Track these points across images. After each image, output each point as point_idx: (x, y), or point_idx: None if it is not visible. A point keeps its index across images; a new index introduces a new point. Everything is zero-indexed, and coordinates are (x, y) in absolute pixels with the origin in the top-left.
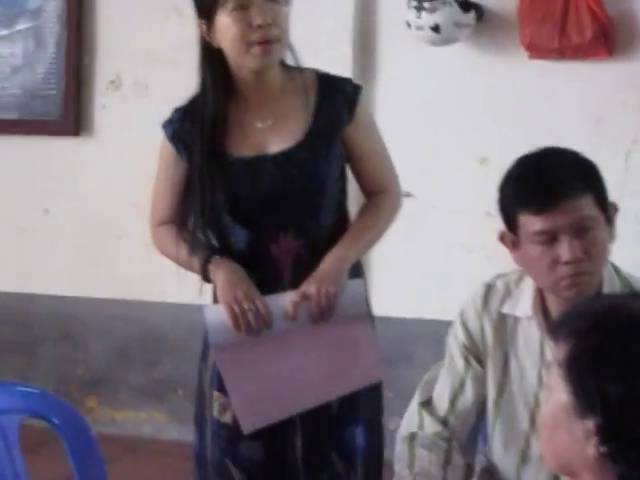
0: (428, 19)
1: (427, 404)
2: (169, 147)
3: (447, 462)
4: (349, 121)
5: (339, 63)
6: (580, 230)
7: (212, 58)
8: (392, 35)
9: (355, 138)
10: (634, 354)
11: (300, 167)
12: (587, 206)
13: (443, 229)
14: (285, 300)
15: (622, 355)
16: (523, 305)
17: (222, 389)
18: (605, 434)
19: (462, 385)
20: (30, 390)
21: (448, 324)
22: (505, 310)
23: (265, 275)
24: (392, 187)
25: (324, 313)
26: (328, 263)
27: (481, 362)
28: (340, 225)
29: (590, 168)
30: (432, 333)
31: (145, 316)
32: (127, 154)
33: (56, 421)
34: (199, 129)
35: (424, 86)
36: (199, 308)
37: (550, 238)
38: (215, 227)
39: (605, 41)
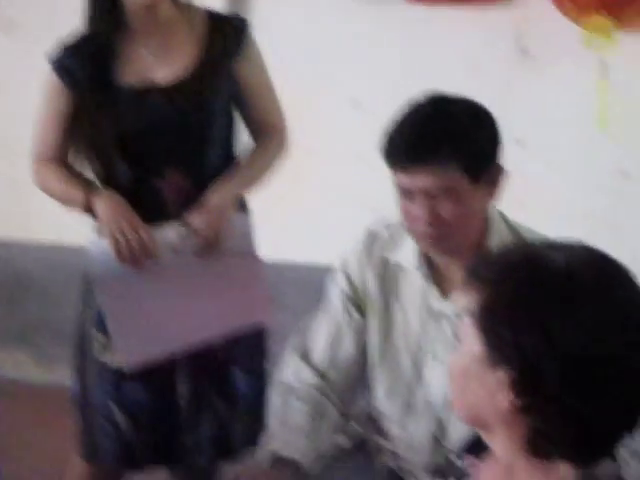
0: None
1: (304, 353)
2: (55, 80)
3: (321, 415)
4: (238, 55)
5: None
6: (438, 194)
7: None
8: None
9: (244, 73)
10: (552, 305)
11: (188, 98)
12: (448, 172)
13: (317, 174)
14: (170, 232)
15: (540, 305)
16: (407, 254)
17: (104, 329)
18: (519, 386)
19: (341, 335)
20: None
21: (321, 270)
22: (388, 257)
23: (150, 211)
24: (280, 125)
25: (210, 245)
26: (215, 195)
27: (362, 311)
28: (228, 162)
29: (467, 129)
30: (304, 278)
31: (10, 256)
32: None
33: None
34: (87, 59)
35: (300, 30)
36: (68, 249)
37: (409, 194)
38: (99, 161)
39: None
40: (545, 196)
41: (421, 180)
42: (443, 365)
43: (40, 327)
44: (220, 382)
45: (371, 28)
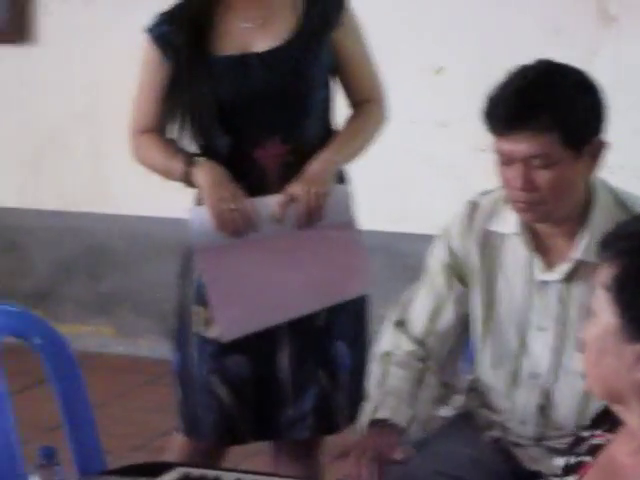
0: None
1: (402, 324)
2: (153, 50)
3: (420, 381)
4: (338, 24)
5: None
6: (536, 163)
7: None
8: None
9: (344, 43)
10: None
11: (288, 66)
12: (546, 140)
13: (397, 139)
14: (272, 202)
15: None
16: (509, 222)
17: (205, 303)
18: None
19: (443, 306)
20: (10, 309)
21: (402, 236)
22: (491, 227)
23: (251, 182)
24: (379, 95)
25: (312, 215)
26: (315, 165)
27: (464, 282)
28: (326, 135)
29: (571, 98)
30: (385, 245)
31: (91, 228)
32: (73, 63)
33: (38, 341)
34: (185, 31)
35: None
36: (149, 220)
37: (508, 160)
38: (199, 131)
39: None
40: (633, 162)
41: (519, 146)
42: (548, 335)
43: (121, 299)
44: (322, 354)
45: None
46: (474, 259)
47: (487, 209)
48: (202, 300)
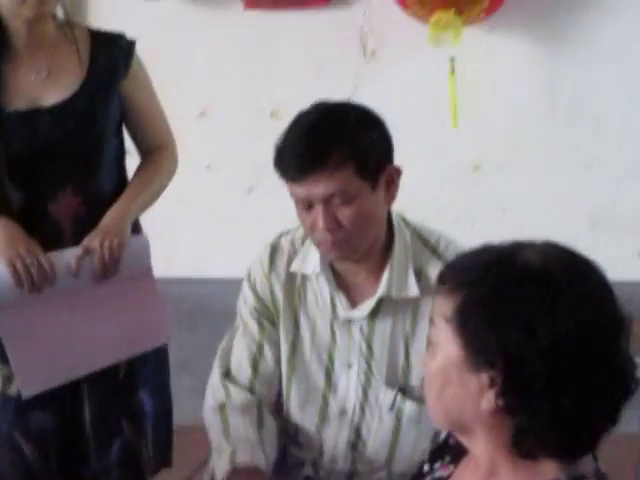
0: None
1: (228, 374)
2: None
3: (261, 425)
4: (125, 75)
5: None
6: (336, 201)
7: None
8: None
9: (132, 93)
10: (531, 301)
11: (77, 119)
12: (344, 178)
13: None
14: (68, 255)
15: (519, 303)
16: (310, 262)
17: (5, 360)
18: (504, 386)
19: (260, 349)
20: None
21: (174, 281)
22: (293, 269)
23: (46, 236)
24: (168, 143)
25: (108, 267)
26: (110, 217)
27: (274, 323)
28: (120, 185)
29: (356, 132)
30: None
31: None
32: None
33: None
34: None
35: (140, 41)
36: None
37: (307, 204)
38: None
39: None
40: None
41: (317, 188)
42: (353, 372)
43: None
44: (125, 405)
45: (210, 34)
46: (279, 300)
47: (288, 250)
48: (3, 357)
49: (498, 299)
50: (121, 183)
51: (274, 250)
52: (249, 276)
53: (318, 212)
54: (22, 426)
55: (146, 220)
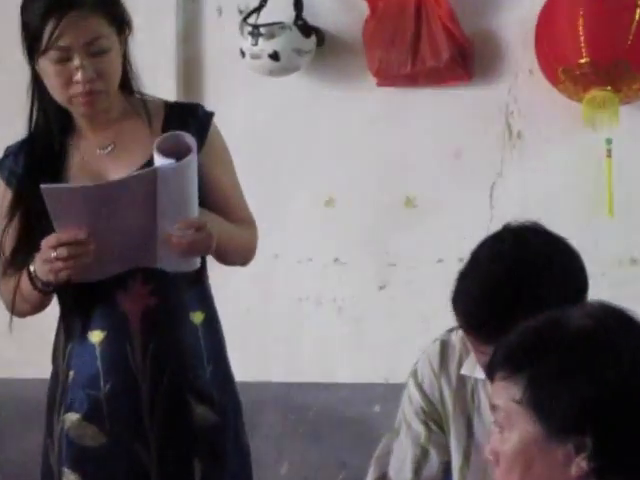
0: (266, 46)
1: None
2: (4, 190)
3: None
4: (200, 147)
5: None
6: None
7: (42, 89)
8: (223, 66)
9: (208, 168)
10: (600, 360)
11: None
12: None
13: (287, 280)
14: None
15: (589, 365)
16: None
17: (73, 466)
18: (595, 448)
19: (425, 454)
20: None
21: (298, 386)
22: (464, 372)
23: (109, 330)
24: (249, 219)
25: (181, 249)
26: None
27: (442, 427)
28: (197, 271)
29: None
30: (280, 397)
31: None
32: None
33: None
34: (35, 162)
35: (262, 122)
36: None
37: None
38: None
39: (463, 64)
40: None
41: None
42: None
43: None
44: None
45: (338, 113)
46: (448, 404)
47: (459, 349)
48: (71, 463)
49: (568, 367)
50: (198, 274)
51: (444, 347)
52: (415, 373)
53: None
54: None
55: (267, 320)
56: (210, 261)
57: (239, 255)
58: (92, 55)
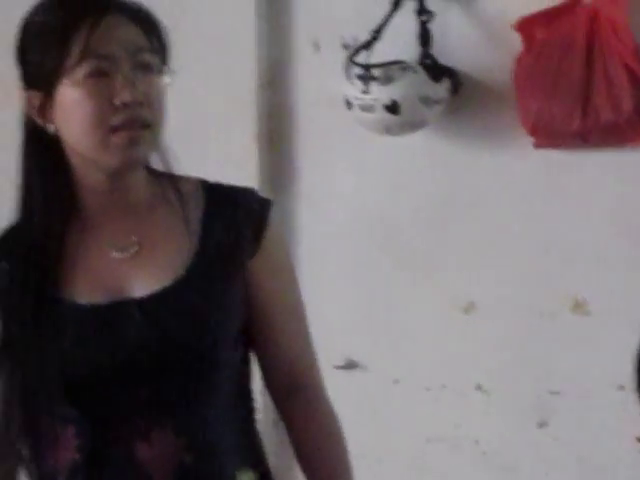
0: (381, 93)
1: None
2: None
3: None
4: (254, 251)
5: (238, 168)
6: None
7: (43, 152)
8: (321, 120)
9: (262, 281)
10: None
11: (181, 317)
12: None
13: (413, 413)
14: None
15: None
16: None
17: None
18: None
19: None
20: None
21: None
22: None
23: None
24: (314, 377)
25: None
26: None
27: None
28: (245, 419)
29: None
30: None
31: None
32: None
33: None
34: (22, 267)
35: (375, 197)
36: None
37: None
38: (30, 421)
39: None
40: None
41: None
42: None
43: None
44: None
45: (481, 180)
46: None
47: None
48: None
49: None
50: (248, 417)
51: None
52: None
53: None
54: None
55: (382, 466)
56: None
57: None
58: (138, 69)
